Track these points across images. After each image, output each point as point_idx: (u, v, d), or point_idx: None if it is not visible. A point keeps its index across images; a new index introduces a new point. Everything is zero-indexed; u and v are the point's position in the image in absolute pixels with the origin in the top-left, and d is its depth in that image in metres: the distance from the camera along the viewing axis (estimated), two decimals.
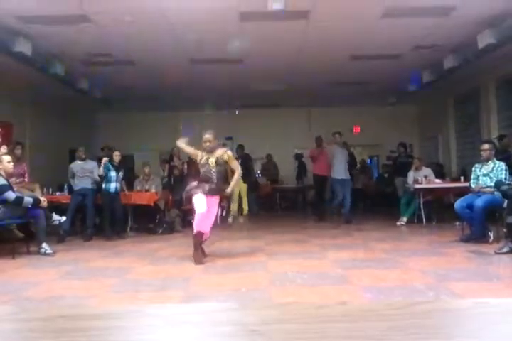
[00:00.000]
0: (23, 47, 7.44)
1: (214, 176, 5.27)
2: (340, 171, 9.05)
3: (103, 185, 7.70)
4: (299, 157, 13.11)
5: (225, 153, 5.39)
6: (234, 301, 3.42)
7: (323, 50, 8.60)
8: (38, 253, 5.81)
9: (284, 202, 12.98)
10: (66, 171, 8.03)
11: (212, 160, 5.31)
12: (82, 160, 7.89)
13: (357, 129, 14.62)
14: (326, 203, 10.19)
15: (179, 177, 9.17)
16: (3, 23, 6.86)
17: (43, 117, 11.13)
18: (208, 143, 5.32)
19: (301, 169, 13.01)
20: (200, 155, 5.37)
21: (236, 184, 5.76)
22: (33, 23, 6.90)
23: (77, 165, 7.86)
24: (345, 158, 9.15)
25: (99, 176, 7.63)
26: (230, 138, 14.23)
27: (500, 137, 8.31)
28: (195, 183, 5.33)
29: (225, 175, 5.52)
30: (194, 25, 7.20)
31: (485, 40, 7.53)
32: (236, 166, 5.52)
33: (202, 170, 5.34)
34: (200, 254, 5.09)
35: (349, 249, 5.77)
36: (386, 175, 11.57)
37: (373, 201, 11.97)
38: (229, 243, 6.79)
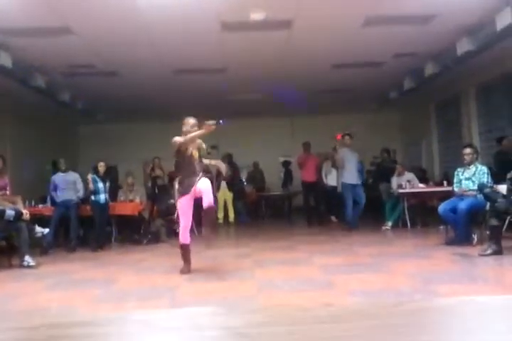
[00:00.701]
0: (3, 60, 7.39)
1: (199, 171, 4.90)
2: (352, 175, 8.54)
3: (92, 197, 7.71)
4: (286, 164, 13.05)
5: (202, 145, 5.09)
6: (220, 306, 3.39)
7: (306, 58, 8.66)
8: (21, 266, 5.71)
9: (270, 210, 12.97)
10: (49, 183, 7.95)
11: (195, 153, 4.96)
12: (64, 172, 7.83)
13: (340, 136, 14.70)
14: (316, 209, 10.10)
15: (163, 187, 9.12)
16: None
17: (25, 130, 11.01)
18: (195, 128, 4.93)
19: (288, 176, 13.00)
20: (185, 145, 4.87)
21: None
22: (14, 35, 6.84)
23: (59, 177, 7.79)
24: (356, 161, 8.75)
25: (91, 191, 7.66)
26: (215, 147, 14.20)
27: (500, 139, 8.30)
28: (183, 185, 4.90)
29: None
30: (175, 36, 7.21)
31: (464, 47, 7.67)
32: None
33: (189, 163, 4.89)
34: (188, 266, 4.98)
35: (336, 255, 5.78)
36: (370, 181, 11.63)
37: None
38: (215, 251, 6.74)
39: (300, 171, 10.28)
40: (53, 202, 7.93)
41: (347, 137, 8.78)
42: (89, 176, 7.76)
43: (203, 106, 12.30)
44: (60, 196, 7.65)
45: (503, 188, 5.82)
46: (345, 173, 8.55)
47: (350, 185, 8.47)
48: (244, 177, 12.81)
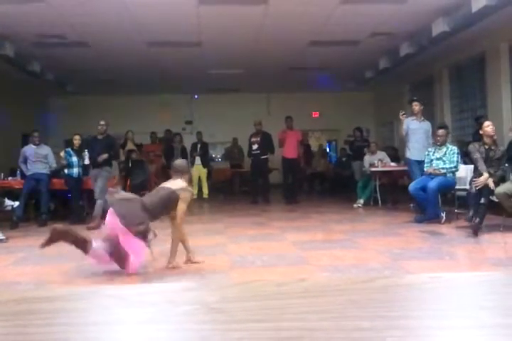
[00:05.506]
0: None
1: None
2: (417, 150, 7.00)
3: (65, 171, 7.66)
4: None
5: None
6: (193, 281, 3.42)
7: (283, 34, 8.58)
8: None
9: (244, 186, 12.98)
10: (18, 156, 7.78)
11: None
12: (36, 144, 7.69)
13: (316, 114, 14.75)
14: (292, 187, 9.79)
15: (137, 162, 9.03)
16: None
17: None
18: None
19: None
20: None
21: None
22: None
23: (30, 149, 7.64)
24: (425, 133, 7.18)
25: (64, 166, 7.62)
26: (190, 123, 14.11)
27: (478, 118, 8.26)
28: None
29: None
30: (151, 8, 7.03)
31: (439, 28, 7.70)
32: None
33: None
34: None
35: (308, 231, 5.85)
36: (344, 159, 11.75)
37: (332, 184, 12.15)
38: (188, 226, 6.74)
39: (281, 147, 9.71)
40: (23, 175, 7.79)
41: (414, 103, 7.35)
42: (62, 153, 7.64)
43: (178, 80, 12.14)
44: (31, 169, 7.51)
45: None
46: (409, 147, 7.16)
47: (416, 161, 7.00)
48: (218, 154, 12.70)
